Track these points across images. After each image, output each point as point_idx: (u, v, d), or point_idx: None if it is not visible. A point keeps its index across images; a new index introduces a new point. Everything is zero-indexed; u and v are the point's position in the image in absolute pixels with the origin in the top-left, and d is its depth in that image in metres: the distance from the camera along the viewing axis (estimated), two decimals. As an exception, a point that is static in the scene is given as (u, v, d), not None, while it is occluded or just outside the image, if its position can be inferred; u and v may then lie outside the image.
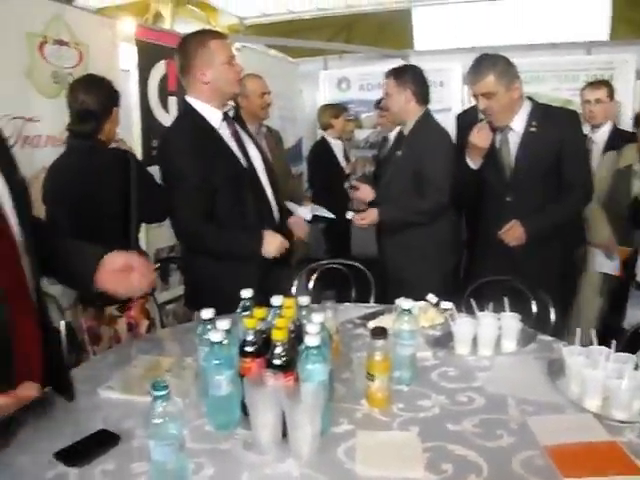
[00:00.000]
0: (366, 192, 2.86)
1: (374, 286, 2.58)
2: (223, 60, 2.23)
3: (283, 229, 2.40)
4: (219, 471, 1.21)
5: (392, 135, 3.31)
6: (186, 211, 2.21)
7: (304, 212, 2.60)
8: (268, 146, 3.50)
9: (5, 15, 2.61)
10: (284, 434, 1.25)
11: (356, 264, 2.74)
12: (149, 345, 1.97)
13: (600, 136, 3.48)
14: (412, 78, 2.83)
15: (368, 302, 2.51)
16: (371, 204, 2.84)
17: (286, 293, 1.82)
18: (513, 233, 2.49)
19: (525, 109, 2.58)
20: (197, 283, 2.37)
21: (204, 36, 2.26)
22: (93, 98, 2.31)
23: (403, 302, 1.56)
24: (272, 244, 2.24)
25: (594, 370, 1.45)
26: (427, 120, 2.87)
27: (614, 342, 1.52)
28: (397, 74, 2.84)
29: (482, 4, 6.90)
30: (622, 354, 1.51)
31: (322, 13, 7.15)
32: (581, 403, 1.44)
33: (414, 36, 7.04)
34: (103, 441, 1.32)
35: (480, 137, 2.59)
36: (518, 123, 2.57)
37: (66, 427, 1.38)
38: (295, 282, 2.59)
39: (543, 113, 2.58)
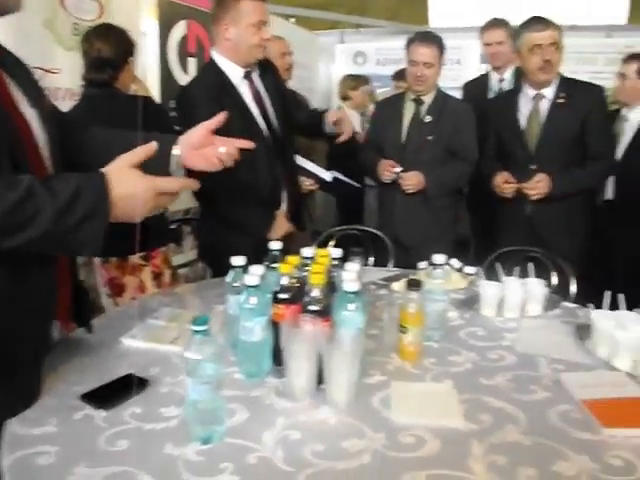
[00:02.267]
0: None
1: (392, 251, 2.57)
2: (251, 22, 2.19)
3: (295, 189, 2.44)
4: (253, 416, 1.20)
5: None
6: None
7: (325, 173, 2.57)
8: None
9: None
10: (320, 382, 1.24)
11: (374, 231, 2.72)
12: (170, 298, 1.95)
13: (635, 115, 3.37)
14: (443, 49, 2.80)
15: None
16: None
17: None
18: (539, 183, 2.49)
19: (556, 80, 2.61)
20: (209, 238, 2.38)
21: None
22: (110, 47, 2.28)
23: (438, 257, 1.55)
24: (280, 228, 2.28)
25: (624, 332, 1.45)
26: (444, 92, 2.90)
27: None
28: (441, 43, 2.76)
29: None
30: (650, 318, 1.50)
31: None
32: (611, 363, 1.44)
33: (429, 13, 6.96)
34: (131, 385, 1.30)
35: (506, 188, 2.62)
36: (550, 92, 2.60)
37: (91, 373, 1.37)
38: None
39: (570, 85, 2.61)
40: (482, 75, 3.63)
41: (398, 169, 2.74)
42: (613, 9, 6.66)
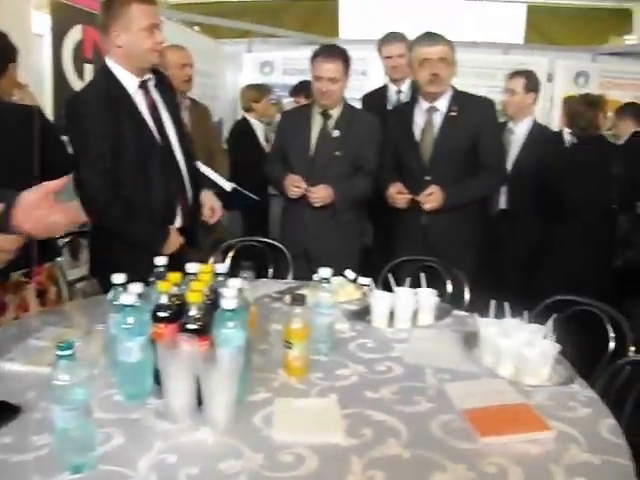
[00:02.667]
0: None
1: (292, 263, 2.55)
2: (142, 26, 2.11)
3: (195, 204, 2.38)
4: (129, 440, 1.15)
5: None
6: (94, 181, 2.09)
7: (225, 183, 2.51)
8: (191, 119, 3.37)
9: None
10: (199, 402, 1.20)
11: (274, 242, 2.70)
12: (56, 317, 1.86)
13: (521, 129, 3.52)
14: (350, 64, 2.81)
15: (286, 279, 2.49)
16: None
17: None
18: (432, 195, 2.54)
19: (449, 93, 2.67)
20: (101, 253, 2.29)
21: None
22: None
23: (323, 271, 1.54)
24: (173, 244, 2.23)
25: (507, 339, 1.50)
26: (351, 105, 2.91)
27: (526, 313, 1.58)
28: (345, 58, 2.74)
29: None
30: (533, 325, 1.56)
31: (249, -3, 7.03)
32: (495, 371, 1.48)
33: (339, 25, 7.07)
34: (2, 412, 1.23)
35: (399, 199, 2.66)
36: (442, 105, 2.65)
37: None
38: (211, 261, 2.51)
39: (463, 99, 2.68)
40: (380, 87, 3.70)
41: (304, 185, 2.73)
42: (511, 29, 7.08)
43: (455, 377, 1.45)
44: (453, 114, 2.60)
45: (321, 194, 2.71)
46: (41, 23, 3.29)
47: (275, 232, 3.21)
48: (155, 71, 2.28)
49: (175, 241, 2.23)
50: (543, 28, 7.22)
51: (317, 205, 2.73)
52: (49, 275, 2.19)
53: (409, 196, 2.62)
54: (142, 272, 1.62)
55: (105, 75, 2.17)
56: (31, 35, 3.17)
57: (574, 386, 1.42)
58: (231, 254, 2.67)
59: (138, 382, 1.31)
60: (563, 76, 5.74)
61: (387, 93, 3.51)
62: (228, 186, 2.46)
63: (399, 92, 3.45)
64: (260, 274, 2.48)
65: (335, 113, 2.81)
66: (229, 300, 1.22)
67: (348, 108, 2.86)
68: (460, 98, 2.66)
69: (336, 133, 2.78)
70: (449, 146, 2.60)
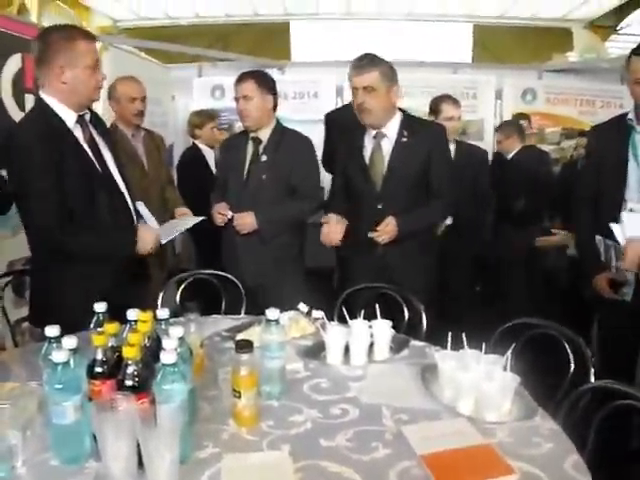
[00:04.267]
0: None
1: (245, 297, 2.47)
2: (88, 64, 2.06)
3: None
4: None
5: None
6: (44, 219, 2.00)
7: (153, 221, 2.44)
8: (145, 150, 3.29)
9: None
10: (140, 464, 1.11)
11: (226, 274, 2.61)
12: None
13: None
14: (273, 85, 2.81)
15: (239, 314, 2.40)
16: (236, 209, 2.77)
17: (150, 308, 1.67)
18: (386, 228, 2.48)
19: (397, 118, 2.61)
20: (46, 299, 2.15)
21: (72, 33, 2.06)
22: None
23: (270, 312, 1.47)
24: (147, 238, 2.17)
25: (466, 373, 1.45)
26: (284, 127, 2.88)
27: (484, 344, 1.54)
28: (259, 77, 2.77)
29: (358, 21, 7.13)
30: (491, 356, 1.53)
31: (200, 20, 7.02)
32: (455, 407, 1.44)
33: (291, 48, 7.11)
34: None
35: (332, 232, 2.62)
36: (391, 131, 2.59)
37: None
38: (161, 295, 2.42)
39: (413, 124, 2.62)
40: (343, 106, 3.65)
41: (229, 213, 2.72)
42: (459, 49, 7.24)
43: (413, 417, 1.40)
44: (404, 140, 2.55)
45: (244, 220, 2.71)
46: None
47: (311, 262, 3.13)
48: (89, 109, 2.21)
49: (148, 237, 2.17)
50: (490, 46, 7.40)
51: (242, 232, 2.73)
52: None
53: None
54: (83, 316, 1.55)
55: (43, 109, 2.08)
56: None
57: (536, 419, 1.38)
58: (181, 288, 2.57)
59: (74, 445, 1.22)
60: (511, 93, 5.86)
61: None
62: (155, 224, 2.39)
63: None
64: (213, 307, 2.40)
65: (264, 137, 2.80)
66: (169, 354, 1.14)
67: (278, 131, 2.83)
68: (410, 123, 2.61)
69: (264, 157, 2.77)
70: (400, 173, 2.54)
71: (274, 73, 5.40)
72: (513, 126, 4.48)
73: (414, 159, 2.54)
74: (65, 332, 1.33)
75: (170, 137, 4.90)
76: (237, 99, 2.80)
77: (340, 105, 5.04)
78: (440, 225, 3.32)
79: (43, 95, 2.09)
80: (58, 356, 1.17)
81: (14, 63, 3.35)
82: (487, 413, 1.39)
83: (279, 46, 7.03)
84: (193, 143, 4.35)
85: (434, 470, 1.15)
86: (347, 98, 5.18)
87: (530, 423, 1.37)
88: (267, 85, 2.77)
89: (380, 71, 2.48)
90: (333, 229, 2.61)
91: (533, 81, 5.96)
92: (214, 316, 2.22)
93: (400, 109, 2.67)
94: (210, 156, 4.23)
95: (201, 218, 2.80)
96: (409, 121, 2.63)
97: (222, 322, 2.11)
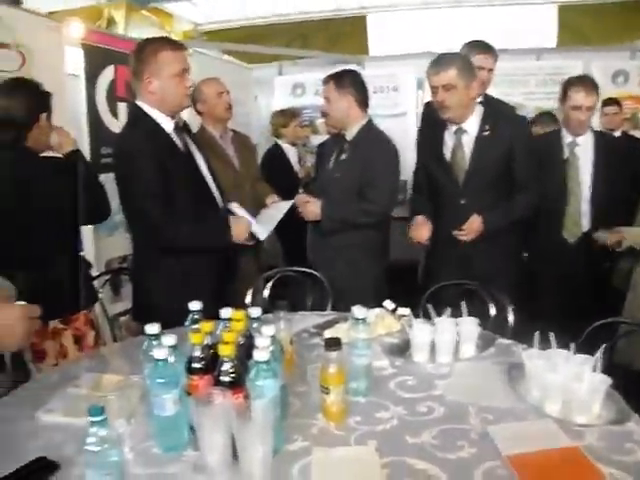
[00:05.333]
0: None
1: (331, 293, 2.52)
2: (172, 72, 2.17)
3: None
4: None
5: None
6: (155, 212, 2.14)
7: (259, 230, 2.52)
8: (235, 150, 3.38)
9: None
10: (235, 455, 1.18)
11: (312, 271, 2.67)
12: (94, 362, 1.87)
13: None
14: (352, 83, 2.81)
15: (325, 310, 2.45)
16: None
17: (241, 305, 1.76)
18: (471, 226, 2.48)
19: (478, 112, 2.59)
20: (146, 296, 2.29)
21: (158, 44, 2.18)
22: (15, 104, 2.16)
23: (357, 310, 1.50)
24: (239, 228, 2.29)
25: (554, 374, 1.43)
26: (371, 127, 2.87)
27: (573, 344, 1.51)
28: (337, 79, 2.80)
29: (435, 11, 7.00)
30: (581, 356, 1.49)
31: (278, 19, 7.12)
32: (542, 408, 1.42)
33: (369, 42, 7.08)
34: (41, 470, 1.23)
35: (418, 232, 2.62)
36: (472, 125, 2.57)
37: (3, 455, 1.30)
38: (250, 291, 2.51)
39: (494, 117, 2.59)
40: None
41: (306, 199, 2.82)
42: (543, 33, 6.93)
43: (500, 417, 1.39)
44: (485, 134, 2.52)
45: (309, 207, 2.79)
46: (74, 64, 3.38)
47: (396, 254, 3.18)
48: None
49: (240, 225, 2.29)
50: (576, 28, 7.05)
51: (307, 218, 2.83)
52: (86, 320, 2.22)
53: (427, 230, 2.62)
54: (180, 312, 1.66)
55: (142, 117, 2.22)
56: (65, 76, 3.26)
57: (629, 424, 1.33)
58: (269, 285, 2.65)
59: (174, 434, 1.31)
60: (600, 77, 5.56)
61: None
62: (262, 235, 2.47)
63: None
64: (300, 304, 2.48)
65: (349, 136, 2.85)
66: (262, 352, 1.20)
67: (365, 129, 2.85)
68: (491, 116, 2.58)
69: (343, 156, 2.83)
70: (483, 168, 2.52)
71: (352, 69, 5.47)
72: None
73: (496, 153, 2.51)
74: (163, 327, 1.43)
75: (254, 137, 5.03)
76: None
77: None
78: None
79: (140, 104, 2.23)
80: (159, 353, 1.25)
81: (108, 74, 3.57)
82: (576, 415, 1.36)
83: (357, 40, 7.02)
84: (275, 142, 4.44)
85: (520, 471, 1.15)
86: (428, 90, 5.14)
87: (623, 428, 1.32)
88: (344, 85, 2.79)
89: (457, 68, 2.47)
90: (421, 228, 2.62)
91: (625, 62, 5.64)
92: (301, 313, 2.28)
93: (480, 102, 2.65)
94: (292, 154, 4.31)
95: (291, 202, 2.88)
96: (490, 114, 2.60)
97: (309, 319, 2.17)
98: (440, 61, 2.52)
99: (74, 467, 1.24)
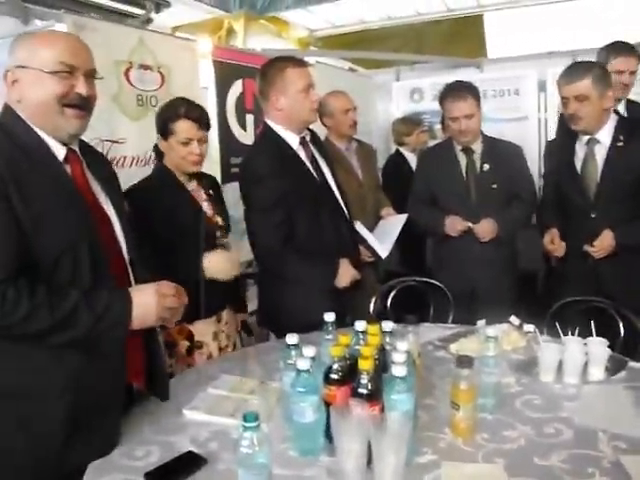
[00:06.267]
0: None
1: (453, 305, 2.55)
2: (299, 89, 2.27)
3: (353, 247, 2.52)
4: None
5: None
6: (266, 235, 2.27)
7: (380, 249, 2.59)
8: (359, 161, 3.46)
9: (96, 44, 2.74)
10: (369, 463, 1.26)
11: (434, 282, 2.71)
12: (230, 364, 2.00)
13: None
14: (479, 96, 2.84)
15: (447, 322, 2.49)
16: None
17: (364, 314, 1.83)
18: (602, 243, 2.41)
19: (612, 122, 2.47)
20: (271, 303, 2.42)
21: (282, 63, 2.30)
22: None
23: (488, 329, 1.54)
24: (345, 276, 2.32)
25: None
26: (491, 136, 2.93)
27: None
28: (475, 93, 2.80)
29: (556, 6, 6.68)
30: None
31: (392, 22, 7.13)
32: (680, 440, 1.38)
33: (487, 43, 6.92)
34: (190, 463, 1.36)
35: (555, 247, 2.59)
36: (605, 136, 2.46)
37: (154, 446, 1.45)
38: (372, 301, 2.59)
39: (630, 126, 2.48)
40: None
41: (468, 223, 2.79)
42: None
43: (633, 446, 1.37)
44: (620, 144, 2.41)
45: (487, 228, 2.75)
46: (206, 77, 3.62)
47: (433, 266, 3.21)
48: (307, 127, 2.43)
49: (347, 272, 2.32)
50: None
51: (484, 240, 2.77)
52: (180, 329, 2.22)
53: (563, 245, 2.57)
54: (311, 318, 1.76)
55: (270, 135, 2.35)
56: (200, 90, 3.50)
57: None
58: (392, 295, 2.72)
59: (311, 439, 1.40)
60: None
61: None
62: (384, 253, 2.52)
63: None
64: (419, 314, 2.52)
65: (477, 147, 2.83)
66: (400, 367, 1.28)
67: (488, 140, 2.87)
68: (626, 125, 2.47)
69: (486, 167, 2.81)
70: (615, 180, 2.41)
71: (470, 72, 5.37)
72: None
73: (631, 165, 2.39)
74: (288, 332, 1.56)
75: (373, 143, 5.10)
76: (454, 118, 2.82)
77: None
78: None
79: (268, 122, 2.36)
80: (302, 364, 1.36)
81: (237, 87, 3.79)
82: None
83: (474, 41, 6.88)
84: (397, 150, 4.48)
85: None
86: (550, 93, 4.95)
87: None
88: (479, 96, 2.83)
89: (592, 78, 2.36)
90: (556, 240, 2.59)
91: None
92: (425, 324, 2.31)
93: (615, 111, 2.55)
94: (414, 161, 4.32)
95: (405, 215, 2.94)
96: (625, 123, 2.49)
97: (434, 330, 2.22)
98: (573, 70, 2.43)
99: (219, 463, 1.37)
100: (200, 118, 2.24)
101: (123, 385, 1.53)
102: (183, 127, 2.20)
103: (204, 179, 2.39)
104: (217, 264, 2.23)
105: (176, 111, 2.21)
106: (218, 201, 2.41)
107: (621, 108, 2.89)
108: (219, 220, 2.35)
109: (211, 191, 2.37)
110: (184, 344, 2.25)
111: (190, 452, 1.41)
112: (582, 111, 2.40)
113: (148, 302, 1.42)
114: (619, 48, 2.90)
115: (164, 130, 2.23)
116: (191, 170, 2.26)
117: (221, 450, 1.42)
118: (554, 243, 2.58)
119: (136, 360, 1.57)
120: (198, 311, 2.20)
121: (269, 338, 2.79)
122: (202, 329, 2.28)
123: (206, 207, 2.31)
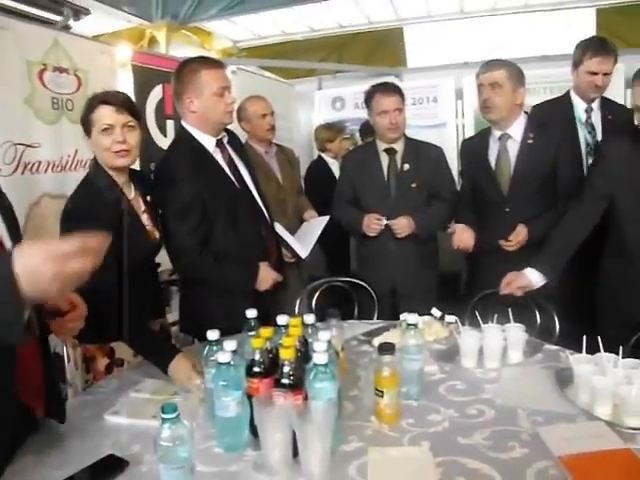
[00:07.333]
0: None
1: (377, 302, 2.58)
2: (213, 91, 2.21)
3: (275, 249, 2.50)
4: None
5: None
6: (182, 240, 2.19)
7: (301, 250, 2.59)
8: (279, 165, 3.48)
9: (6, 44, 2.63)
10: (295, 454, 1.24)
11: (359, 282, 2.74)
12: (155, 369, 1.93)
13: None
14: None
15: (371, 319, 2.51)
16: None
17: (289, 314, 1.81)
18: (517, 237, 2.50)
19: (522, 119, 2.60)
20: (193, 309, 2.37)
21: (197, 64, 2.24)
22: None
23: (409, 317, 1.56)
24: (266, 279, 2.29)
25: (603, 377, 1.45)
26: (413, 138, 2.99)
27: (621, 348, 1.53)
28: (401, 92, 2.87)
29: (472, 20, 6.98)
30: (630, 360, 1.51)
31: (315, 34, 7.23)
32: (592, 411, 1.44)
33: (407, 54, 7.12)
34: (111, 467, 1.31)
35: (461, 239, 2.65)
36: (517, 132, 2.58)
37: (73, 453, 1.38)
38: (297, 302, 2.59)
39: (538, 124, 2.61)
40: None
41: (384, 220, 2.81)
42: (581, 38, 6.85)
43: (549, 419, 1.42)
44: (530, 142, 2.53)
45: (403, 223, 2.78)
46: (125, 82, 3.52)
47: (356, 266, 3.25)
48: (226, 129, 2.39)
49: (267, 276, 2.29)
50: (614, 30, 6.93)
51: (401, 236, 2.80)
52: (99, 347, 2.07)
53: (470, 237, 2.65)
54: (234, 322, 1.73)
55: (185, 137, 2.29)
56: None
57: (683, 428, 1.34)
58: (316, 295, 2.73)
59: (236, 434, 1.37)
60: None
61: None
62: (304, 253, 2.52)
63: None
64: (345, 313, 2.53)
65: (399, 148, 2.89)
66: (321, 355, 1.27)
67: (410, 141, 2.94)
68: (535, 123, 2.59)
69: (406, 166, 2.86)
70: (526, 175, 2.52)
71: (391, 80, 5.50)
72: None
73: (541, 160, 2.52)
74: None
75: (295, 150, 5.13)
76: (384, 112, 2.83)
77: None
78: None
79: (184, 124, 2.31)
80: (223, 357, 1.33)
81: (157, 93, 3.72)
82: (627, 418, 1.38)
83: (394, 52, 7.07)
84: (319, 156, 4.53)
85: (573, 471, 1.17)
86: (467, 101, 5.16)
87: (678, 432, 1.33)
88: (404, 99, 2.89)
89: (507, 69, 2.51)
90: (464, 236, 2.65)
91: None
92: (349, 321, 2.34)
93: (525, 112, 2.66)
94: (335, 167, 4.38)
95: (327, 217, 2.96)
96: (533, 121, 2.62)
97: (358, 327, 2.24)
98: (491, 62, 2.58)
99: (142, 465, 1.32)
100: (120, 102, 1.97)
101: (12, 410, 1.28)
102: (102, 113, 1.94)
103: (137, 179, 2.16)
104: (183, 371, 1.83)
105: (93, 100, 1.99)
106: (153, 208, 2.19)
107: (595, 106, 2.90)
108: (157, 235, 2.14)
109: (148, 197, 2.17)
110: (103, 361, 2.09)
111: (111, 456, 1.35)
112: (495, 99, 2.52)
113: (38, 269, 0.98)
114: (597, 47, 2.78)
115: (86, 125, 1.99)
116: (118, 164, 1.98)
117: (143, 452, 1.37)
118: (460, 237, 2.65)
119: (33, 376, 1.34)
120: (121, 332, 1.94)
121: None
122: (123, 345, 2.04)
123: (145, 219, 2.11)
